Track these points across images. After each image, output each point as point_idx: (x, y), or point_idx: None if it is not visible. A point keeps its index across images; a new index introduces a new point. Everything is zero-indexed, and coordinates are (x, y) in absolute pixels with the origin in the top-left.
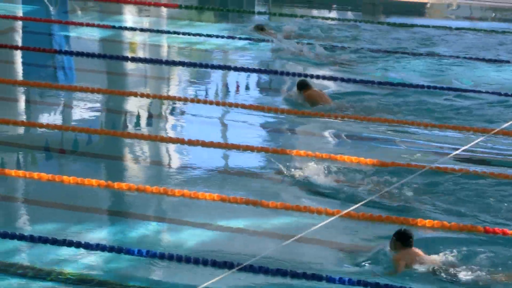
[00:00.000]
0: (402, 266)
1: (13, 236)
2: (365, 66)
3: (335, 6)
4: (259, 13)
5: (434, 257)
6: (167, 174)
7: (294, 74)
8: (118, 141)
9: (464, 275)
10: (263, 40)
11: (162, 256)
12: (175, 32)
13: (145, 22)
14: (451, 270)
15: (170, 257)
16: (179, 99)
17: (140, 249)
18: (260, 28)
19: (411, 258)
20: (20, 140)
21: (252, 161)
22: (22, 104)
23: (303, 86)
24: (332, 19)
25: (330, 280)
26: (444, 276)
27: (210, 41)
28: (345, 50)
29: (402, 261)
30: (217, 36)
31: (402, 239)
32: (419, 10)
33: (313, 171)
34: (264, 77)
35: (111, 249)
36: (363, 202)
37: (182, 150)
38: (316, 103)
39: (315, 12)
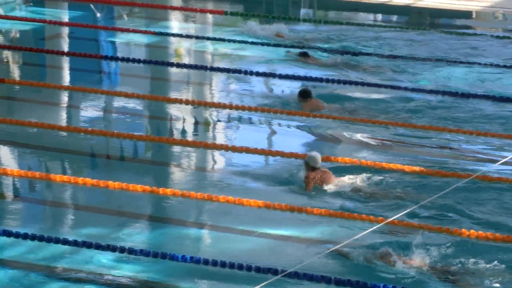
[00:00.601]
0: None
1: (57, 241)
2: (412, 74)
3: (381, 13)
4: (305, 20)
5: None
6: (211, 180)
7: (345, 82)
8: (163, 147)
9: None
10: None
11: (206, 262)
12: (220, 39)
13: (191, 29)
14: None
15: (214, 263)
16: (224, 105)
17: (184, 255)
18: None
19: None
20: (65, 145)
21: (297, 168)
22: (67, 110)
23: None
24: (379, 26)
25: (374, 287)
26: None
27: (255, 48)
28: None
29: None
30: (262, 44)
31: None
32: (465, 19)
33: (357, 178)
34: (308, 85)
35: (155, 254)
36: (408, 211)
37: (226, 156)
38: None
39: (361, 19)
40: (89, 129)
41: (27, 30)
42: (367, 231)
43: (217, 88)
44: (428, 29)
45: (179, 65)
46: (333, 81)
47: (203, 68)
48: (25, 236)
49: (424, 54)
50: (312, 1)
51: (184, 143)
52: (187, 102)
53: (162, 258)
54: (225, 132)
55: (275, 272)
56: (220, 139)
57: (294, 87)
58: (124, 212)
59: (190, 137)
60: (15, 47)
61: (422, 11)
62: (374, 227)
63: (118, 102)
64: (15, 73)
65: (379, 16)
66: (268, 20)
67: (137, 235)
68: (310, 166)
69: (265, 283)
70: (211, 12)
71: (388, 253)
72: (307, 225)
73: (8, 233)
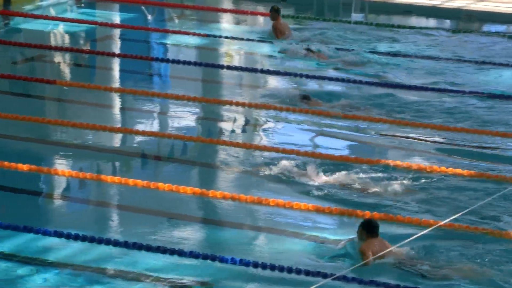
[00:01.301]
0: (368, 255)
1: (107, 242)
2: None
3: (433, 16)
4: (356, 22)
5: (400, 249)
6: (261, 182)
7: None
8: (213, 149)
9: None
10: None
11: (255, 265)
12: (270, 41)
13: (241, 31)
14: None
15: (264, 266)
16: (274, 107)
17: (233, 257)
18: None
19: (376, 247)
20: (116, 146)
21: (348, 171)
22: (118, 111)
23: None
24: (430, 28)
25: None
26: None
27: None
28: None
29: (368, 250)
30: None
31: (368, 228)
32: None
33: (410, 182)
34: (361, 86)
35: (204, 257)
36: (461, 214)
37: (276, 159)
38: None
39: (413, 22)
40: (140, 130)
41: (78, 31)
42: (420, 233)
43: (267, 90)
44: (477, 32)
45: (229, 67)
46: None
47: (253, 70)
48: (75, 237)
49: (473, 56)
50: (363, 4)
51: (234, 144)
52: (237, 104)
53: (211, 260)
54: (275, 134)
55: (324, 275)
56: (270, 141)
57: (346, 87)
58: (174, 214)
59: (240, 139)
60: (67, 49)
61: (471, 14)
62: (427, 230)
63: (169, 104)
64: (67, 74)
65: (431, 19)
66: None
67: (186, 237)
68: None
69: (314, 286)
70: (262, 14)
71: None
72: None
73: (59, 234)
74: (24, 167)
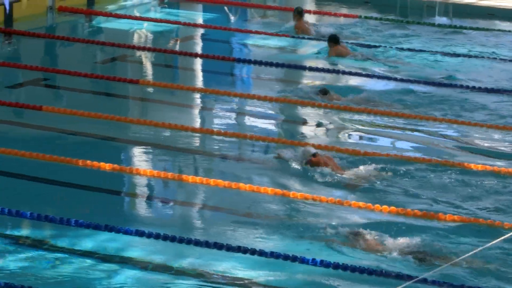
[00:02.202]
0: None
1: (188, 241)
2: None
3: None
4: (439, 25)
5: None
6: (343, 185)
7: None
8: (295, 150)
9: None
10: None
11: (336, 267)
12: (353, 43)
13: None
14: None
15: (344, 267)
16: (363, 110)
17: (314, 258)
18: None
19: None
20: (197, 146)
21: (423, 171)
22: (200, 111)
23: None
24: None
25: None
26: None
27: (387, 53)
28: None
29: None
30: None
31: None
32: None
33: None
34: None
35: (285, 257)
36: None
37: (360, 160)
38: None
39: (501, 25)
40: (222, 131)
41: (161, 31)
42: (502, 238)
43: (349, 92)
44: None
45: (311, 69)
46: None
47: (335, 71)
48: (156, 236)
49: None
50: (447, 6)
51: (316, 147)
52: (319, 106)
53: (292, 261)
54: (359, 136)
55: (405, 277)
56: (353, 142)
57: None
58: (255, 214)
59: (322, 141)
60: (149, 48)
61: None
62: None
63: (250, 105)
64: (149, 74)
65: None
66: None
67: (267, 238)
68: (310, 156)
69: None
70: (345, 16)
71: (361, 234)
72: (438, 230)
73: (140, 233)
74: (107, 166)
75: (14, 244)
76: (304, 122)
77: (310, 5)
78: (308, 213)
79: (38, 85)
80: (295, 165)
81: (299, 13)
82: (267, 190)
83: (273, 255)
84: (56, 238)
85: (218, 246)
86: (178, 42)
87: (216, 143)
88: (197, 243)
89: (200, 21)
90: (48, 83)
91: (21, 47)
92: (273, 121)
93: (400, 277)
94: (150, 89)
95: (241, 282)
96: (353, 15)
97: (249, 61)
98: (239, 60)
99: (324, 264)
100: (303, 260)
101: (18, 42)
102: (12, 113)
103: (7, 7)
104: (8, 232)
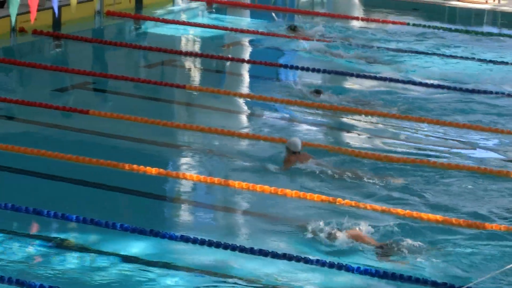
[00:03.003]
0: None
1: (233, 248)
2: None
3: None
4: (489, 33)
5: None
6: (395, 192)
7: None
8: (341, 158)
9: None
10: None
11: (382, 276)
12: (400, 50)
13: (370, 39)
14: None
15: (393, 276)
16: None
17: (359, 266)
18: (292, 28)
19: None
20: (243, 152)
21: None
22: (246, 117)
23: None
24: None
25: None
26: None
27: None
28: None
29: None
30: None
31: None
32: None
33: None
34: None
35: (331, 265)
36: None
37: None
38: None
39: None
40: (269, 136)
41: (208, 36)
42: None
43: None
44: None
45: (358, 76)
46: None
47: (383, 79)
48: (201, 242)
49: None
50: (496, 15)
51: (362, 155)
52: (366, 113)
53: (338, 269)
54: (428, 147)
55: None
56: (421, 153)
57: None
58: (300, 221)
59: (371, 149)
60: (197, 54)
61: None
62: None
63: (297, 111)
64: (196, 79)
65: None
66: None
67: (312, 245)
68: (291, 151)
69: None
70: (394, 23)
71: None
72: (487, 240)
73: (185, 239)
74: (153, 170)
75: (59, 247)
76: (350, 129)
77: (358, 12)
78: (354, 220)
79: (85, 89)
80: (349, 173)
81: (292, 29)
82: (313, 196)
83: (319, 262)
84: (101, 242)
85: (263, 253)
86: (225, 47)
87: (262, 149)
88: (242, 249)
89: (247, 26)
90: (95, 87)
91: (69, 51)
92: (321, 127)
93: (446, 285)
94: (196, 94)
95: None
96: (401, 22)
97: (295, 67)
98: (285, 66)
99: (369, 272)
100: (348, 268)
101: (66, 46)
102: (60, 117)
103: (56, 11)
104: (53, 235)
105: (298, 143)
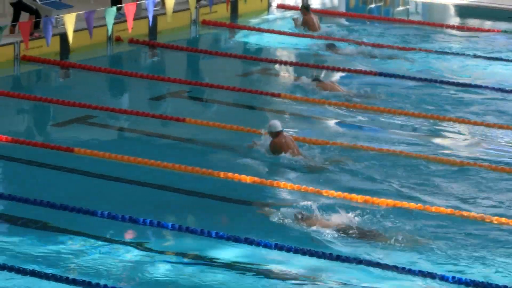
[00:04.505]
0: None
1: (330, 257)
2: None
3: None
4: None
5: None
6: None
7: None
8: (432, 165)
9: None
10: None
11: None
12: (500, 58)
13: (468, 48)
14: None
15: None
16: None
17: (454, 276)
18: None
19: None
20: (338, 160)
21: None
22: (338, 125)
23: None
24: None
25: None
26: None
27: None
28: None
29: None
30: None
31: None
32: None
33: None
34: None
35: (423, 274)
36: None
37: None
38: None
39: None
40: (364, 145)
41: (303, 45)
42: None
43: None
44: None
45: (458, 84)
46: None
47: (501, 90)
48: (296, 251)
49: None
50: None
51: (447, 161)
52: (461, 122)
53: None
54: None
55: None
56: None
57: None
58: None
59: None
60: (292, 63)
61: None
62: None
63: (398, 121)
64: (290, 88)
65: None
66: None
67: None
68: (273, 133)
69: None
70: (488, 31)
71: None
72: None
73: (279, 247)
74: (247, 178)
75: (155, 254)
76: (439, 135)
77: (453, 20)
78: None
79: (181, 97)
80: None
81: (305, 8)
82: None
83: (406, 271)
84: (197, 249)
85: (366, 262)
86: (319, 56)
87: (359, 157)
88: (338, 257)
89: (339, 35)
90: (191, 95)
91: (165, 60)
92: (418, 137)
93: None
94: (291, 103)
95: None
96: (496, 30)
97: (390, 75)
98: (380, 74)
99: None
100: (443, 278)
101: (162, 54)
102: (157, 125)
103: (151, 20)
104: (149, 243)
105: (277, 123)
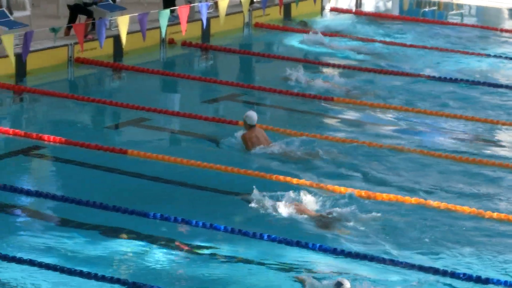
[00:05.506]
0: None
1: (380, 260)
2: None
3: None
4: None
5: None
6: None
7: None
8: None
9: None
10: None
11: None
12: None
13: None
14: None
15: None
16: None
17: (507, 280)
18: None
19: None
20: (392, 165)
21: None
22: (388, 129)
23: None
24: None
25: None
26: None
27: None
28: None
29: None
30: None
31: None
32: None
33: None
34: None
35: (471, 279)
36: None
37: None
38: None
39: None
40: (419, 149)
41: (354, 47)
42: None
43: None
44: None
45: (508, 86)
46: None
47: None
48: (347, 254)
49: None
50: None
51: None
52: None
53: (483, 284)
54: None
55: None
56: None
57: None
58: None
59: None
60: (345, 66)
61: None
62: None
63: (450, 124)
64: (343, 92)
65: None
66: None
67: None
68: (247, 125)
69: None
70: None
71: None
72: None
73: (323, 249)
74: (300, 181)
75: (207, 256)
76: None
77: (508, 24)
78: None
79: (234, 100)
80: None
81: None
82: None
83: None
84: (248, 251)
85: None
86: (369, 59)
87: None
88: (393, 261)
89: (388, 37)
90: (244, 99)
91: (218, 63)
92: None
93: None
94: (344, 106)
95: None
96: None
97: (438, 78)
98: (438, 79)
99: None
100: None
101: (215, 57)
102: (209, 128)
103: (204, 23)
104: (202, 245)
105: (254, 116)
